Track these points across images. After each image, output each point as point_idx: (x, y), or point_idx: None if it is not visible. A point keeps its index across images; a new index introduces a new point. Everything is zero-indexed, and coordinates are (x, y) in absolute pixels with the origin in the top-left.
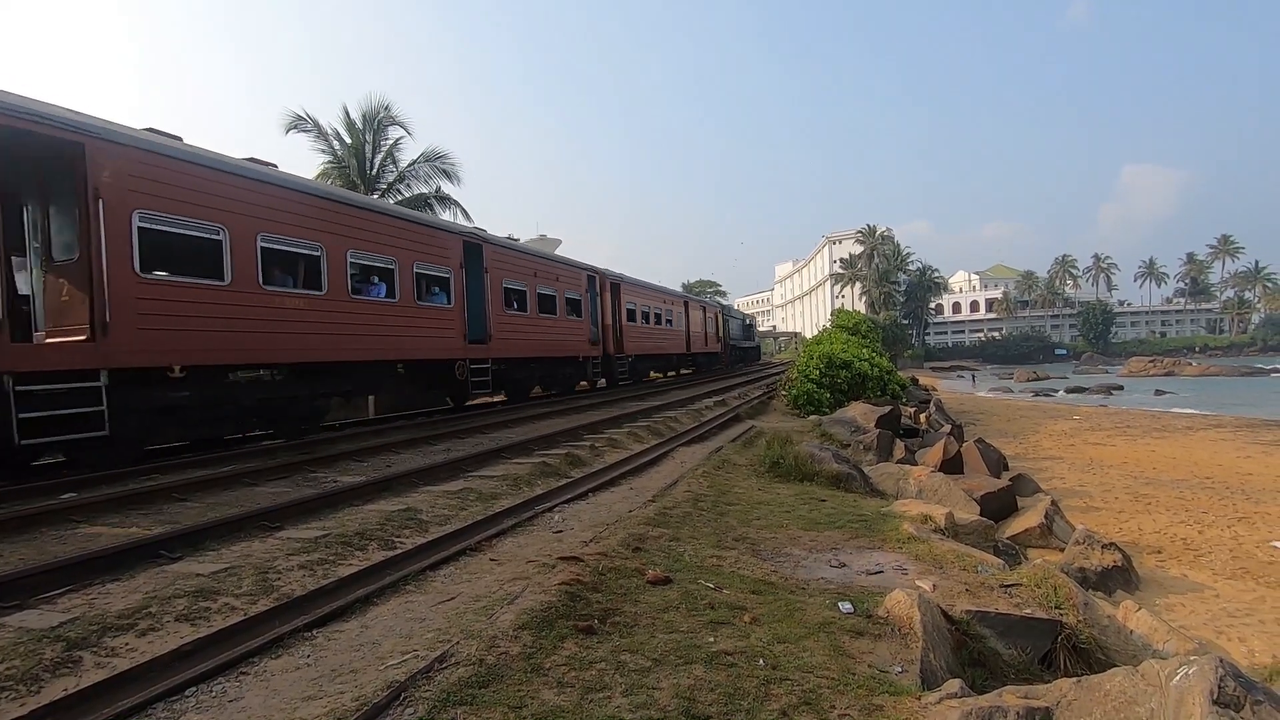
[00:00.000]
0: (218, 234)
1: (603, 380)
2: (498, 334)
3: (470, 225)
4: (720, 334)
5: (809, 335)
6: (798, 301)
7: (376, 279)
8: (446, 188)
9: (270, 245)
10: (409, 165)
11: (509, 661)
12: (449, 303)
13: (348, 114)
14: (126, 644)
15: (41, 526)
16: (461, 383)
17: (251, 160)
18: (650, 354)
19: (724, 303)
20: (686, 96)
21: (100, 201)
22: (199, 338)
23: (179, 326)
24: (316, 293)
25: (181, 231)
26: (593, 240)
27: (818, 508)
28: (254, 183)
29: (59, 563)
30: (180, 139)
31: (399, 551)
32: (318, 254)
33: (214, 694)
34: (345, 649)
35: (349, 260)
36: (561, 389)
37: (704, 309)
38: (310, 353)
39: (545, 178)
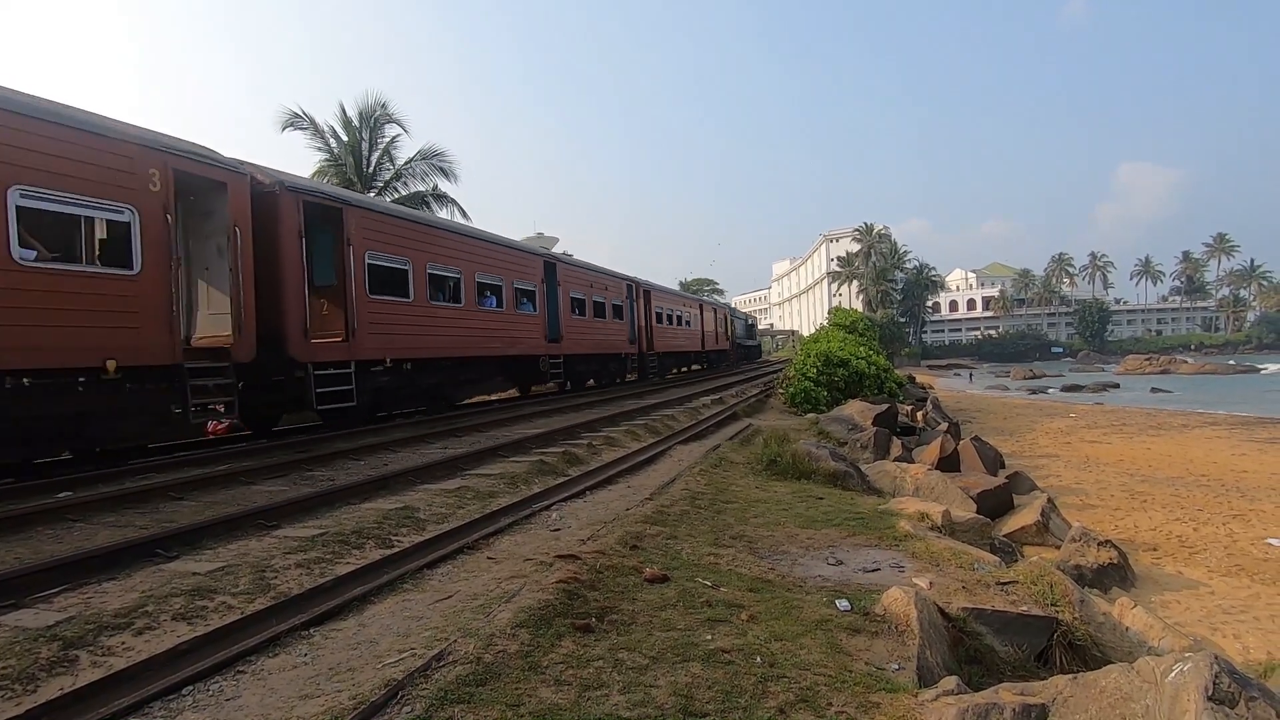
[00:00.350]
0: (405, 265)
1: (633, 375)
2: (567, 335)
3: (544, 248)
4: (728, 333)
5: (806, 333)
6: (795, 300)
7: (489, 294)
8: (444, 185)
9: (433, 271)
10: (406, 163)
11: (506, 660)
12: (534, 311)
13: (344, 112)
14: (123, 643)
15: (37, 525)
16: (542, 373)
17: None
18: (673, 351)
19: (721, 301)
20: (685, 95)
21: (349, 246)
22: (397, 339)
23: (387, 331)
24: (458, 305)
25: (387, 264)
26: (592, 240)
27: (815, 506)
28: (424, 228)
29: (55, 562)
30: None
31: (396, 550)
32: (458, 277)
33: (211, 693)
34: (343, 647)
35: (476, 280)
36: (608, 380)
37: (715, 311)
38: (454, 350)
39: (543, 176)
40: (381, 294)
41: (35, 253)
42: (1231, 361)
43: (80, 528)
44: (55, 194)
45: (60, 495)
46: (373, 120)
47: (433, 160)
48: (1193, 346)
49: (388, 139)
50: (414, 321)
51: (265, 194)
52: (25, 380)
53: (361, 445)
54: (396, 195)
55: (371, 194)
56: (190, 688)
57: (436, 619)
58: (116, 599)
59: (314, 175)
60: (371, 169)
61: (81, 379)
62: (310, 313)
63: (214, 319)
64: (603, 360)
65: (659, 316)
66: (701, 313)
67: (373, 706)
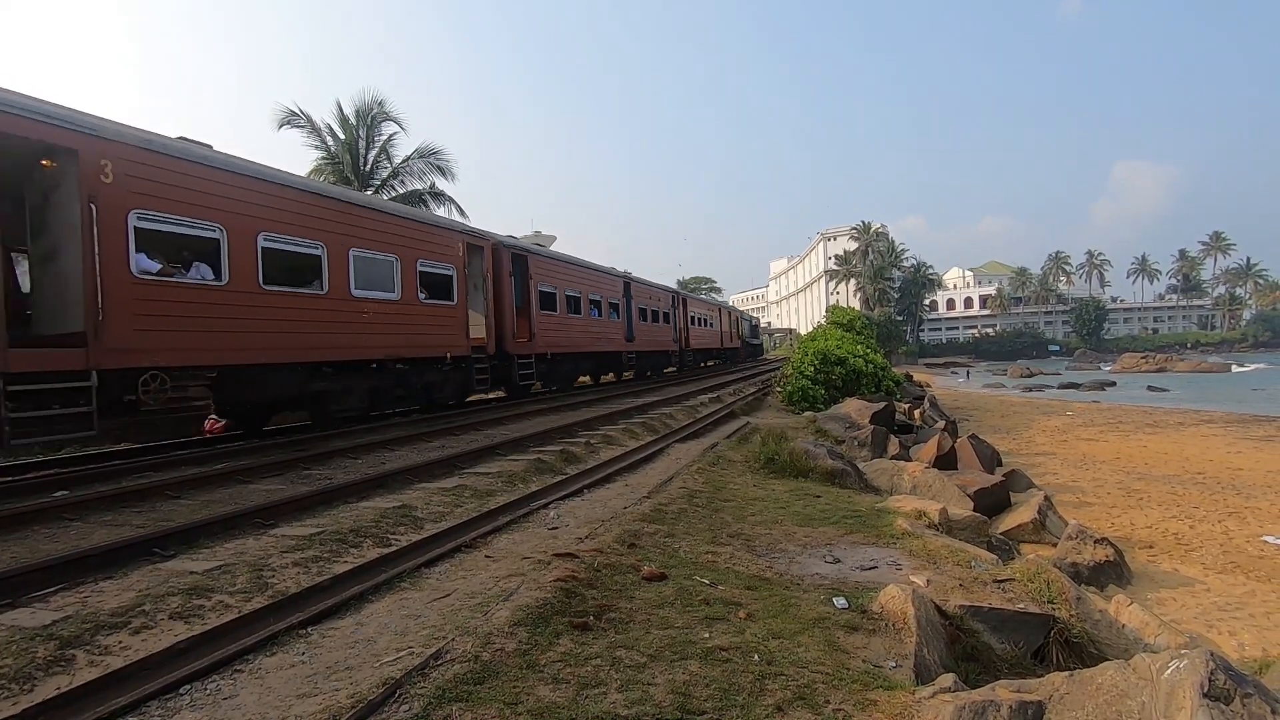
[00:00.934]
0: (554, 290)
1: (673, 367)
2: (637, 336)
3: (622, 269)
4: (738, 333)
5: (804, 332)
6: (793, 298)
7: (595, 307)
8: (441, 184)
9: (568, 293)
10: (403, 161)
11: (504, 658)
12: (618, 318)
13: (341, 110)
14: (120, 642)
15: (34, 524)
16: (623, 364)
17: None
18: (701, 348)
19: (720, 299)
20: (683, 94)
21: (531, 280)
22: (551, 338)
23: (548, 334)
24: (578, 316)
25: (547, 290)
26: (590, 238)
27: (812, 504)
28: (562, 264)
29: (51, 561)
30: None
31: (394, 549)
32: (578, 296)
33: (209, 692)
34: (340, 646)
35: (589, 299)
36: (657, 371)
37: (730, 314)
38: (580, 346)
39: (541, 175)
40: (544, 310)
41: (426, 294)
42: (1213, 359)
43: (77, 527)
44: (435, 264)
45: (56, 494)
46: (370, 118)
47: (430, 158)
48: (1189, 345)
49: (385, 137)
50: (559, 328)
51: (494, 249)
52: (400, 365)
53: (359, 444)
54: (393, 193)
55: (369, 192)
56: (188, 687)
57: (434, 617)
58: (113, 598)
59: (310, 174)
60: (369, 167)
61: (435, 364)
62: (516, 324)
63: (477, 328)
64: (657, 356)
65: (692, 320)
66: (720, 315)
67: (371, 705)
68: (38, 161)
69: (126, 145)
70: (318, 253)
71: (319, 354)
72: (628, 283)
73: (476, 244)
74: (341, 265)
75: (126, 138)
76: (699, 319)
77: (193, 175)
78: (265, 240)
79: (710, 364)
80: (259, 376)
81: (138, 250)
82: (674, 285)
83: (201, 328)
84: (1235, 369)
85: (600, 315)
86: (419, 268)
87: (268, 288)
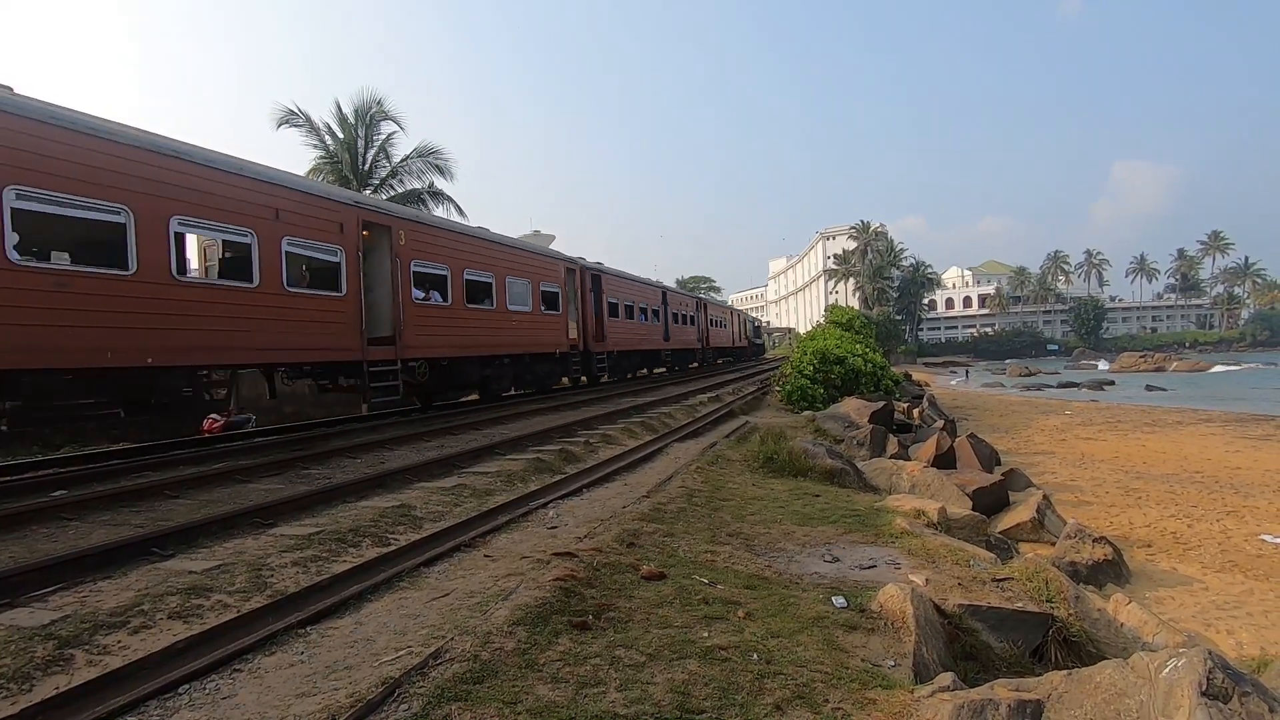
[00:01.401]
0: (616, 300)
1: (696, 364)
2: (671, 337)
3: (657, 280)
4: (745, 333)
5: (803, 331)
6: (792, 297)
7: (641, 313)
8: (440, 183)
9: (625, 303)
10: (402, 160)
11: (504, 657)
12: (659, 322)
13: (340, 109)
14: (119, 642)
15: (32, 524)
16: (661, 361)
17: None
18: (717, 347)
19: (719, 299)
20: (681, 93)
21: (604, 294)
22: (617, 338)
23: (616, 335)
24: (631, 320)
25: (615, 301)
26: (589, 237)
27: (811, 503)
28: (625, 281)
29: (50, 560)
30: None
31: (393, 548)
32: (633, 304)
33: (207, 691)
34: (339, 646)
35: (639, 307)
36: (684, 366)
37: (740, 317)
38: (639, 345)
39: (540, 174)
40: (611, 317)
41: (544, 307)
42: (1194, 359)
43: (75, 526)
44: (549, 284)
45: (55, 494)
46: (369, 117)
47: (429, 158)
48: (1187, 344)
49: (384, 136)
50: (623, 330)
51: (581, 271)
52: (526, 356)
53: (358, 443)
54: (392, 193)
55: (367, 191)
56: (186, 686)
57: (433, 617)
58: (112, 598)
59: (309, 173)
60: (367, 166)
61: (549, 357)
62: (595, 328)
63: (572, 331)
64: (685, 354)
65: (711, 322)
66: (732, 318)
67: (370, 705)
68: (362, 234)
69: (408, 221)
70: (490, 280)
71: (490, 350)
72: (664, 293)
73: (571, 267)
74: (502, 289)
75: (410, 217)
76: (716, 321)
77: (433, 235)
78: (468, 274)
79: (721, 361)
80: (459, 364)
81: (415, 286)
82: (673, 284)
83: (439, 332)
84: (1215, 369)
85: (646, 320)
86: (541, 288)
87: (469, 305)
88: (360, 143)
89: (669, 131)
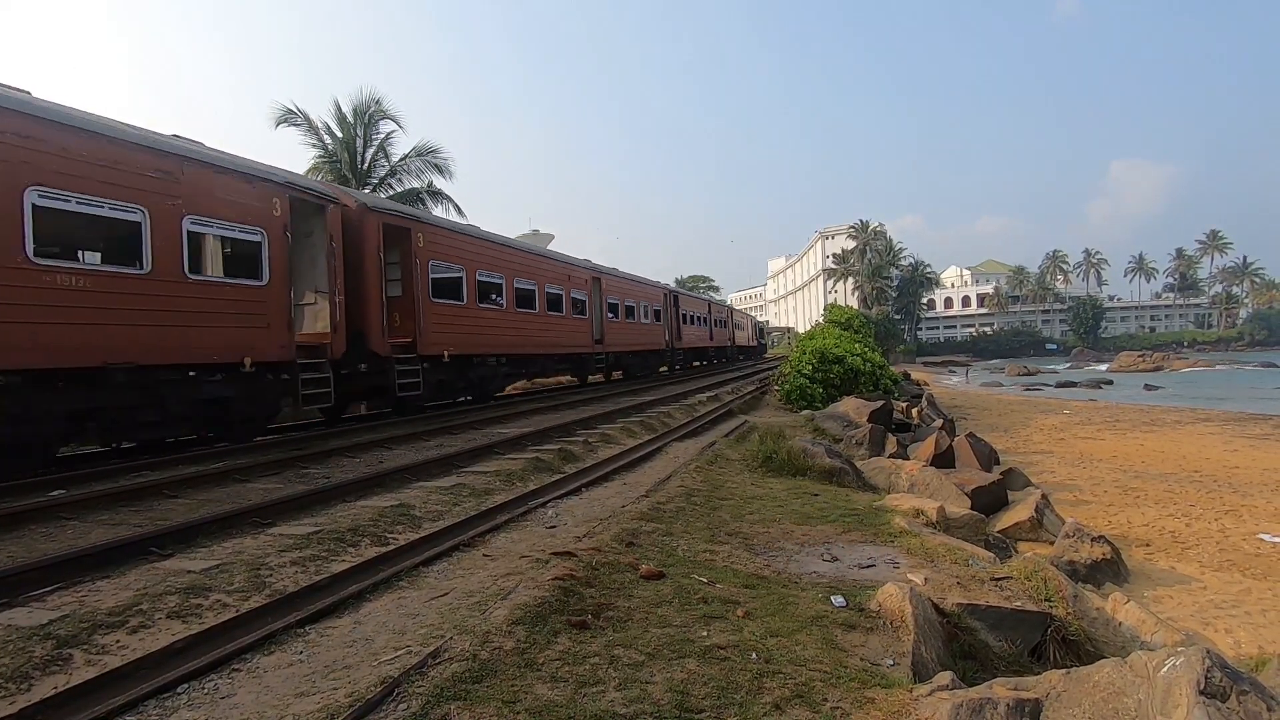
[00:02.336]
0: (686, 312)
1: (719, 360)
2: (712, 339)
3: (716, 298)
4: (755, 334)
5: (802, 330)
6: (791, 296)
7: (701, 321)
8: (439, 182)
9: (692, 314)
10: (401, 160)
11: (502, 657)
12: (706, 327)
13: (339, 108)
14: (117, 641)
15: (31, 523)
16: (707, 356)
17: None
18: (738, 345)
19: (718, 299)
20: (680, 92)
21: (604, 296)
22: (687, 341)
23: (688, 337)
24: (699, 326)
25: (685, 312)
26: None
27: (810, 502)
28: (691, 296)
29: (48, 560)
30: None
31: (392, 547)
32: (693, 314)
33: (206, 691)
34: (338, 645)
35: (698, 315)
36: (710, 361)
37: (751, 319)
38: (697, 344)
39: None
40: (684, 324)
41: (654, 319)
42: (1197, 358)
43: (74, 526)
44: (647, 303)
45: (53, 493)
46: (367, 116)
47: (427, 157)
48: (1186, 344)
49: (382, 135)
50: (690, 334)
51: (665, 293)
52: (634, 354)
53: (357, 443)
54: (391, 192)
55: (365, 190)
56: (185, 686)
57: (433, 616)
58: (110, 597)
59: (308, 172)
60: (366, 165)
61: (657, 354)
62: (679, 332)
63: (668, 336)
64: (719, 349)
65: (738, 325)
66: (747, 321)
67: (369, 704)
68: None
69: (430, 226)
70: (721, 319)
71: (722, 343)
72: (709, 304)
73: (665, 290)
74: (722, 323)
75: (614, 272)
76: (737, 324)
77: (496, 252)
78: (517, 283)
79: (740, 358)
80: (525, 360)
81: (481, 298)
82: (672, 284)
83: (520, 333)
84: (1218, 367)
85: (702, 325)
86: (643, 305)
87: (716, 328)
88: (359, 142)
89: (667, 131)
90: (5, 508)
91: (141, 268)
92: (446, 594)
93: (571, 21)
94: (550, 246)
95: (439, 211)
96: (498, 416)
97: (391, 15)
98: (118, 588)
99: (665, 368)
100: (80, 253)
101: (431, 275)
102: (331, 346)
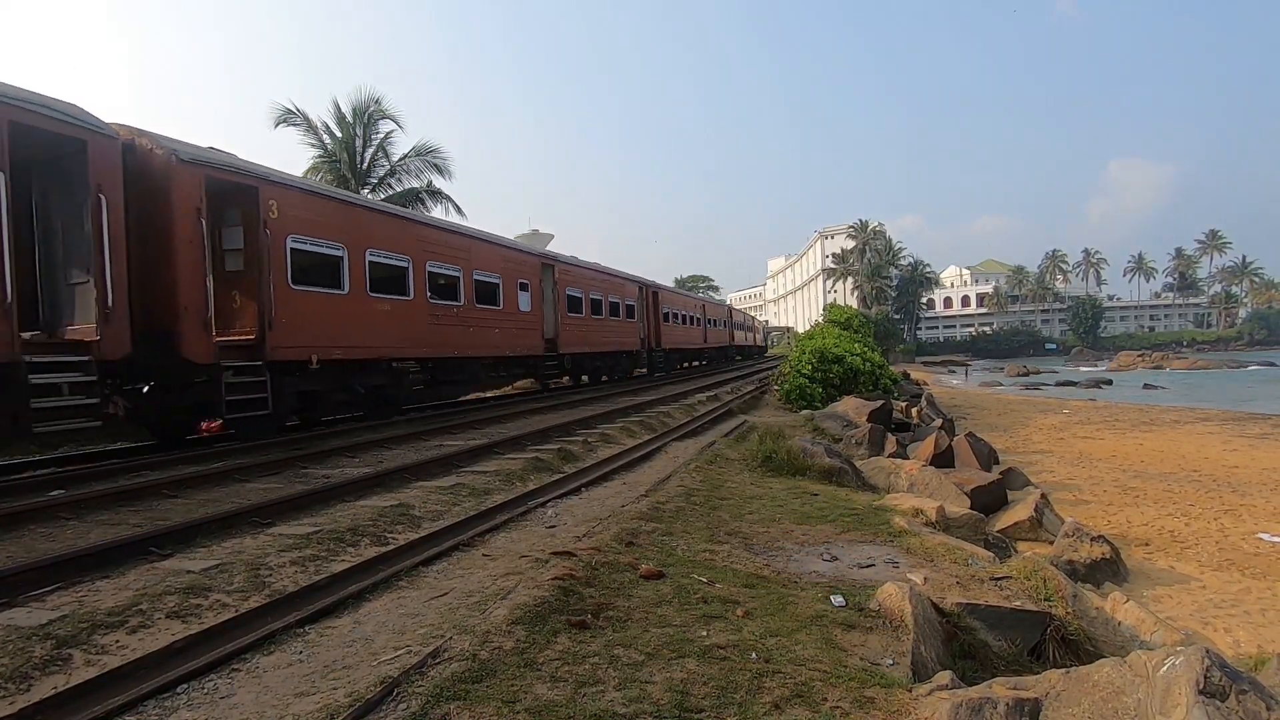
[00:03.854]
0: (716, 319)
1: (725, 359)
2: (707, 341)
3: (717, 298)
4: (761, 336)
5: (802, 330)
6: (790, 296)
7: (723, 324)
8: (438, 182)
9: (719, 319)
10: (400, 159)
11: (502, 656)
12: (726, 328)
13: (338, 108)
14: (117, 641)
15: (30, 523)
16: (727, 356)
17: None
18: (739, 345)
19: (717, 298)
20: (679, 91)
21: (731, 318)
22: (592, 336)
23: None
24: (722, 329)
25: (712, 319)
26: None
27: (810, 502)
28: (723, 308)
29: (47, 560)
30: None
31: (391, 547)
32: (715, 319)
33: (205, 691)
34: (338, 645)
35: (720, 319)
36: (720, 359)
37: (758, 322)
38: (725, 343)
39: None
40: (727, 328)
41: (721, 326)
42: (1180, 358)
43: (73, 526)
44: (719, 316)
45: (53, 493)
46: (367, 116)
47: (427, 157)
48: (1185, 343)
49: (382, 135)
50: (724, 335)
51: (728, 308)
52: (708, 353)
53: (356, 443)
54: (390, 191)
55: (365, 190)
56: (185, 686)
57: (432, 616)
58: (110, 597)
59: (307, 172)
60: (366, 165)
61: (724, 349)
62: (734, 337)
63: (729, 335)
64: (715, 351)
65: (738, 325)
66: (754, 324)
67: (368, 704)
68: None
69: (564, 264)
70: (740, 323)
71: (742, 343)
72: (730, 309)
73: (642, 284)
74: (740, 326)
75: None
76: (746, 326)
77: (582, 273)
78: (432, 267)
79: (738, 358)
80: (589, 357)
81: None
82: (670, 284)
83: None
84: (1183, 369)
85: (694, 325)
86: (612, 300)
87: (735, 330)
88: (358, 141)
89: (666, 131)
90: (5, 508)
91: (739, 330)
92: (446, 594)
93: (572, 22)
94: (549, 247)
95: (438, 211)
96: (498, 416)
97: (391, 15)
98: (117, 588)
99: (644, 370)
100: None
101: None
102: (99, 345)
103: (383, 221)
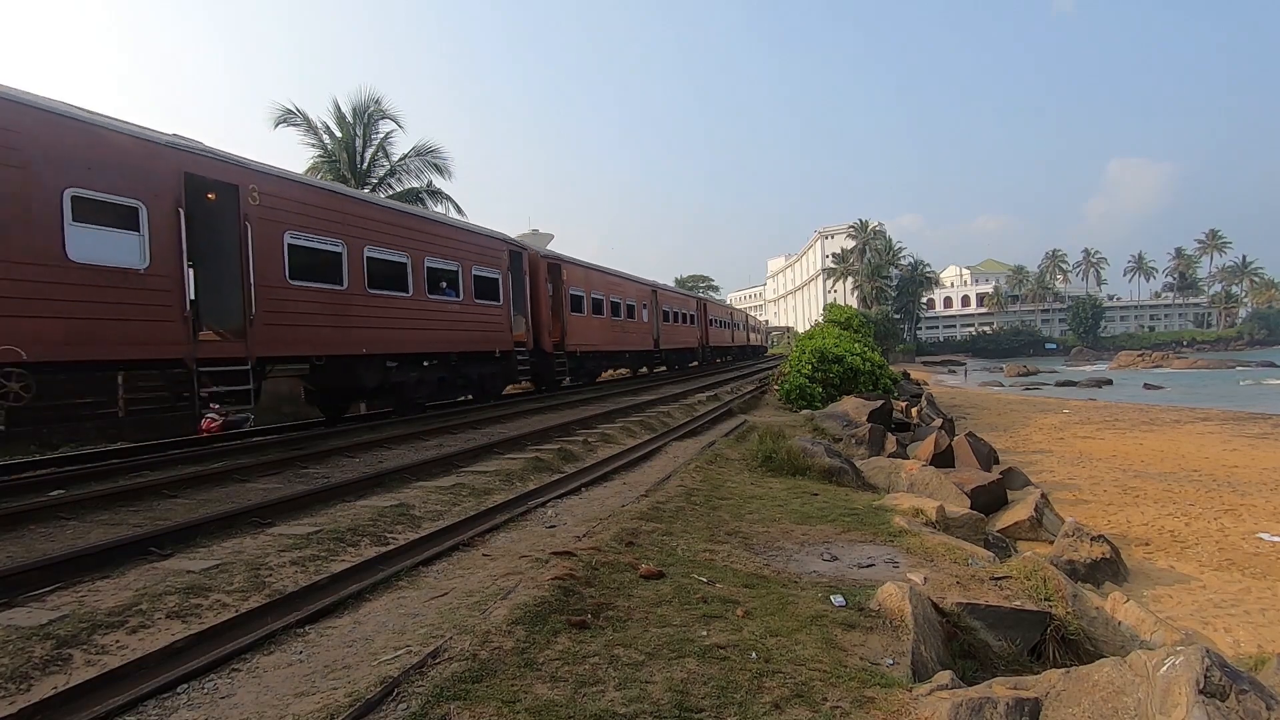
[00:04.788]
0: (729, 320)
1: (747, 357)
2: (742, 341)
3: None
4: (760, 336)
5: (802, 330)
6: (790, 296)
7: (729, 323)
8: (438, 182)
9: (735, 322)
10: (400, 159)
11: (502, 656)
12: (742, 330)
13: (338, 107)
14: (117, 641)
15: (30, 524)
16: (734, 354)
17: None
18: (746, 345)
19: (717, 298)
20: (679, 91)
21: (749, 320)
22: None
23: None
24: (739, 330)
25: (725, 319)
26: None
27: (810, 502)
28: (740, 314)
29: (47, 560)
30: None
31: (391, 547)
32: (731, 320)
33: (205, 691)
34: (338, 645)
35: (733, 321)
36: (734, 357)
37: (759, 323)
38: (740, 342)
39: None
40: (671, 321)
41: (745, 331)
42: (1180, 357)
43: (73, 526)
44: (680, 308)
45: (53, 493)
46: (367, 116)
47: (427, 156)
48: (1185, 343)
49: (382, 135)
50: (720, 334)
51: (753, 320)
52: (731, 352)
53: (356, 443)
54: (390, 191)
55: (365, 190)
56: (185, 686)
57: (432, 616)
58: (110, 597)
59: (307, 172)
60: (366, 165)
61: (752, 350)
62: (749, 337)
63: (750, 336)
64: (741, 349)
65: (751, 329)
66: (753, 323)
67: (368, 704)
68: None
69: (596, 272)
70: (736, 323)
71: (742, 343)
72: (746, 315)
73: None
74: (741, 326)
75: (728, 307)
76: (752, 327)
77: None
78: (664, 307)
79: (732, 357)
80: (671, 353)
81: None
82: (670, 283)
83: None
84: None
85: (738, 329)
86: (745, 324)
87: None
88: (358, 141)
89: (665, 131)
90: (5, 508)
91: (743, 330)
92: (446, 594)
93: (572, 21)
94: (550, 246)
95: (439, 210)
96: (498, 416)
97: (391, 14)
98: (117, 588)
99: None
100: None
101: (572, 300)
102: (744, 347)
103: (619, 283)
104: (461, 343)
